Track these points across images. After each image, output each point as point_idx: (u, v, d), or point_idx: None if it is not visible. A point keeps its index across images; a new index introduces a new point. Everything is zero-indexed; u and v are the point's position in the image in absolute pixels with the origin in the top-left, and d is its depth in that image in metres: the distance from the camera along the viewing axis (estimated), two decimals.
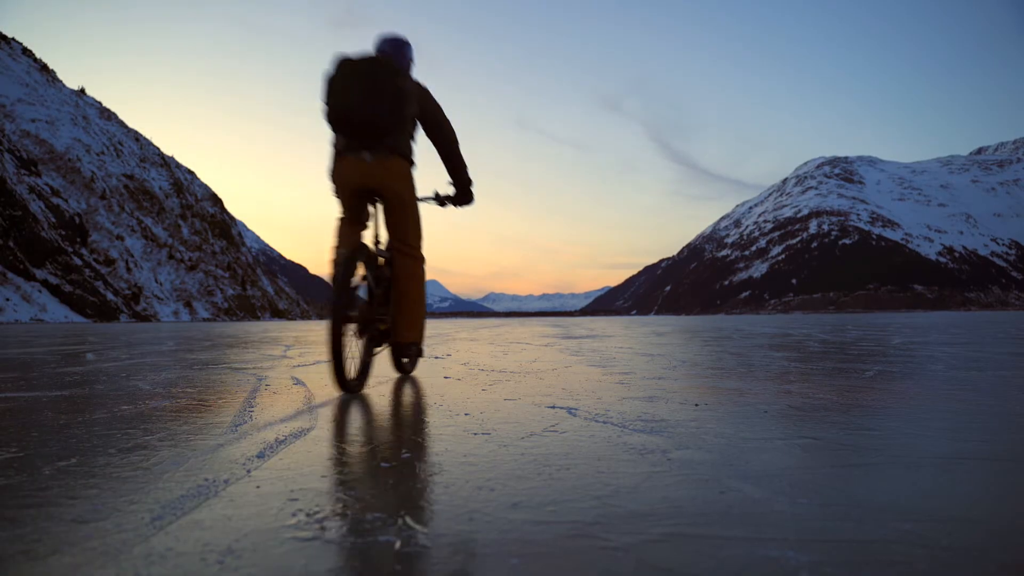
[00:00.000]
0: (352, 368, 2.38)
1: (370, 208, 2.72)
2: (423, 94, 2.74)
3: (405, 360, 2.97)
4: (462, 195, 2.98)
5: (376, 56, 2.49)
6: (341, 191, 2.64)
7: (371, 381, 2.85)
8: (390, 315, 2.68)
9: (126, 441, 1.54)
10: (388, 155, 2.55)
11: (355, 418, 1.87)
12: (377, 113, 2.41)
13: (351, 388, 2.32)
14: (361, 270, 2.48)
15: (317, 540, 0.85)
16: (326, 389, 2.55)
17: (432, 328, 14.83)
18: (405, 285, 2.67)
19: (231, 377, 3.17)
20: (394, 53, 2.76)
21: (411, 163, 2.68)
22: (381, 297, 2.64)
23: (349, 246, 2.48)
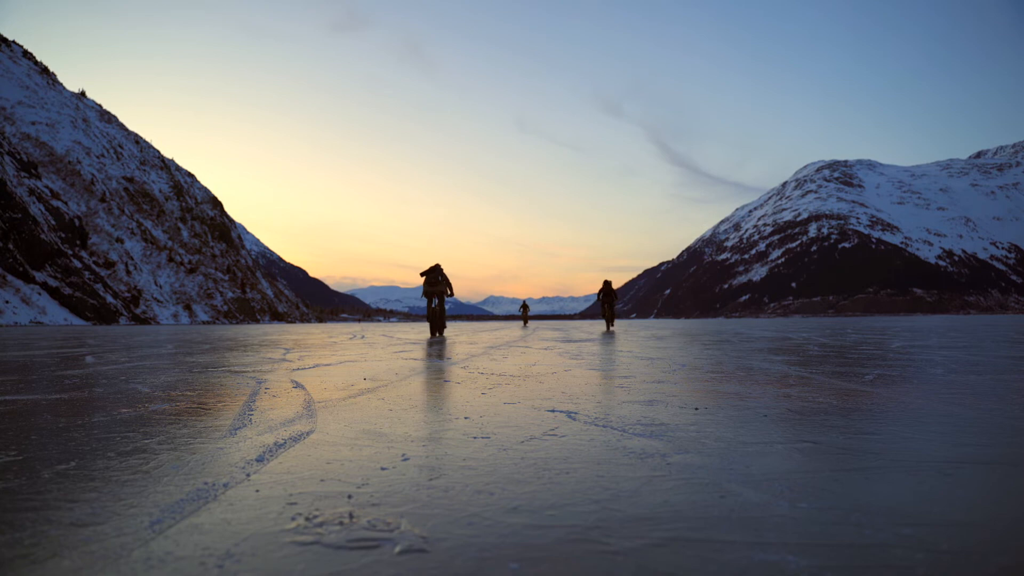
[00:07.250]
0: None
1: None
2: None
3: None
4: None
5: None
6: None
7: (370, 384, 2.85)
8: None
9: (125, 444, 1.54)
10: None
11: (354, 421, 1.87)
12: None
13: None
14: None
15: (316, 544, 0.85)
16: (325, 392, 2.55)
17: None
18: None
19: (230, 380, 3.17)
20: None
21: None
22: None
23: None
